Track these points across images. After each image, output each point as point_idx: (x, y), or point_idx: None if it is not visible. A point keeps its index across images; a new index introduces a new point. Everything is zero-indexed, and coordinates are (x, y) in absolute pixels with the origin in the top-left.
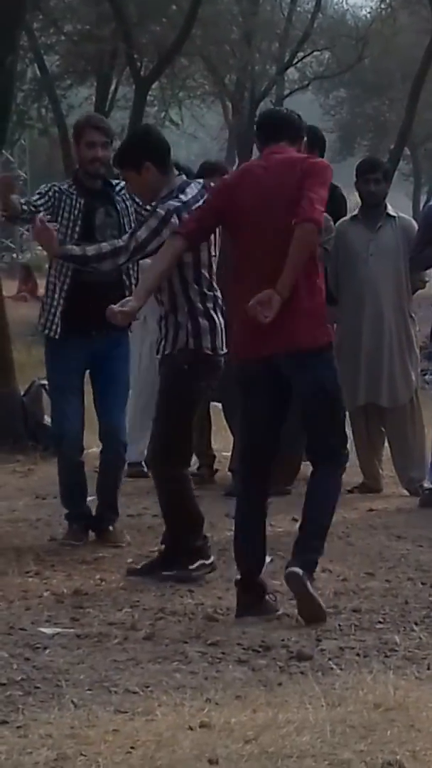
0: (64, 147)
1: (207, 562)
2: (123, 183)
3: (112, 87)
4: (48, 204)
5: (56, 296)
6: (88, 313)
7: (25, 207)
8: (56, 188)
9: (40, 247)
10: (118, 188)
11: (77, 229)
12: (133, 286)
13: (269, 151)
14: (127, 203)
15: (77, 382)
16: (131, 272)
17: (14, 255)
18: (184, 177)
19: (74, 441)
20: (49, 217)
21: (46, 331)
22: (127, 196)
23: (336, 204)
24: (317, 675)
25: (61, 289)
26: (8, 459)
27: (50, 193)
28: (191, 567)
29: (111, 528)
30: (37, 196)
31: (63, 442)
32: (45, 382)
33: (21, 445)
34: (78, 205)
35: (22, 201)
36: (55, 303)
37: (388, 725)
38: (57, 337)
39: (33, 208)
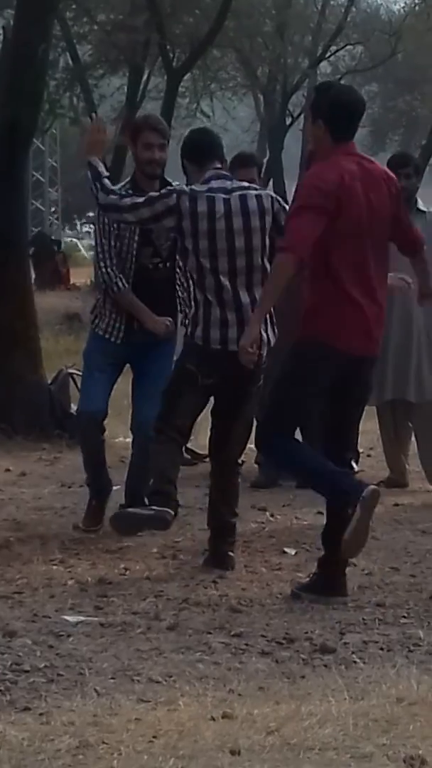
0: None
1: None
2: (177, 183)
3: (144, 77)
4: (110, 230)
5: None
6: (148, 305)
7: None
8: None
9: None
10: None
11: (135, 235)
12: (180, 298)
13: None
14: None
15: (108, 367)
16: (181, 282)
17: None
18: (218, 170)
19: (93, 417)
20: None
21: (107, 336)
22: None
23: None
24: (340, 668)
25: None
26: (34, 447)
27: (104, 218)
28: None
29: None
30: (109, 242)
31: (82, 417)
32: (73, 371)
33: (47, 434)
34: None
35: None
36: (116, 309)
37: (410, 719)
38: (118, 342)
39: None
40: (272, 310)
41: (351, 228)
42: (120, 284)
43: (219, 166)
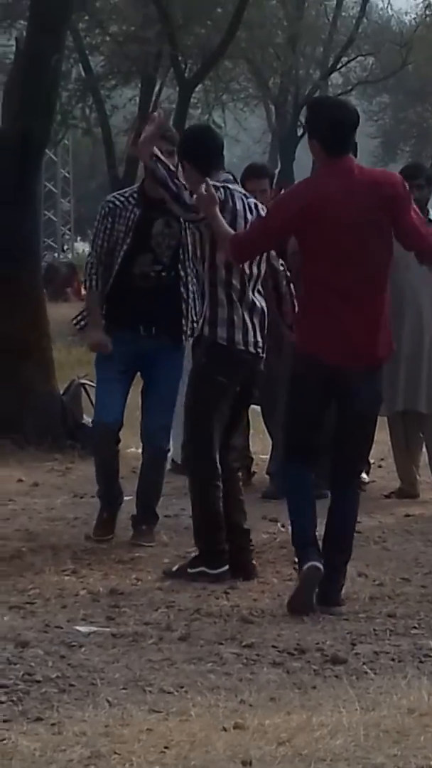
0: (107, 147)
1: (210, 571)
2: None
3: (156, 88)
4: (103, 230)
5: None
6: (136, 311)
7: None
8: (109, 204)
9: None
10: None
11: (128, 240)
12: (190, 300)
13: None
14: None
15: (119, 376)
16: (190, 282)
17: (56, 254)
18: (228, 179)
19: (109, 428)
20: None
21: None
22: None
23: None
24: (352, 679)
25: (106, 284)
26: (47, 457)
27: (102, 219)
28: (190, 570)
29: (143, 527)
30: (98, 241)
31: (98, 428)
32: (85, 381)
33: (59, 444)
34: (132, 216)
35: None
36: (121, 311)
37: (421, 730)
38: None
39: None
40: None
41: (323, 244)
42: (92, 283)
43: (228, 172)
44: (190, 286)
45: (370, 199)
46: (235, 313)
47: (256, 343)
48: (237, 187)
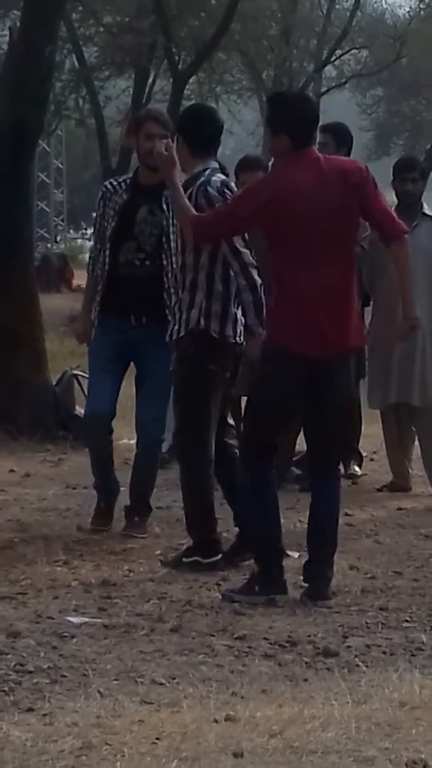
0: (101, 138)
1: (204, 560)
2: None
3: (150, 80)
4: (98, 213)
5: (99, 283)
6: (125, 300)
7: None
8: (103, 188)
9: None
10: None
11: (113, 223)
12: (171, 289)
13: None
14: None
15: (109, 365)
16: (170, 272)
17: (48, 245)
18: (214, 167)
19: (99, 417)
20: None
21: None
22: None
23: None
24: (343, 672)
25: (101, 276)
26: (39, 448)
27: (98, 202)
28: (185, 560)
29: (136, 518)
30: (95, 225)
31: (88, 417)
32: (77, 372)
33: (52, 435)
34: (120, 200)
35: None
36: (112, 299)
37: (413, 724)
38: (96, 319)
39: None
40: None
41: (290, 234)
42: (90, 267)
43: (216, 160)
44: (171, 277)
45: (339, 187)
46: (228, 305)
47: (242, 332)
48: (217, 177)
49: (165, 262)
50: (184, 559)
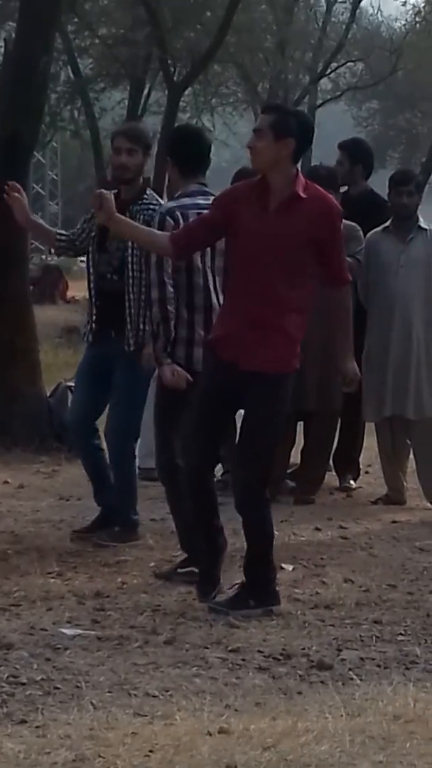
0: (96, 150)
1: (197, 572)
2: (151, 197)
3: (145, 91)
4: (84, 226)
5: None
6: (99, 313)
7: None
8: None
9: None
10: (143, 203)
11: (95, 237)
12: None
13: None
14: (145, 218)
15: (89, 376)
16: (132, 286)
17: (43, 257)
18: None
19: (74, 427)
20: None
21: (85, 339)
22: (149, 211)
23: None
24: (337, 685)
25: (91, 296)
26: (33, 459)
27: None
28: (180, 571)
29: (115, 527)
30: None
31: (69, 427)
32: (71, 384)
33: (46, 446)
34: None
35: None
36: (92, 311)
37: (407, 737)
38: (89, 341)
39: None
40: None
41: (240, 238)
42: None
43: (202, 183)
44: (134, 292)
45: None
46: (196, 332)
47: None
48: (198, 201)
49: (128, 278)
50: (179, 570)
